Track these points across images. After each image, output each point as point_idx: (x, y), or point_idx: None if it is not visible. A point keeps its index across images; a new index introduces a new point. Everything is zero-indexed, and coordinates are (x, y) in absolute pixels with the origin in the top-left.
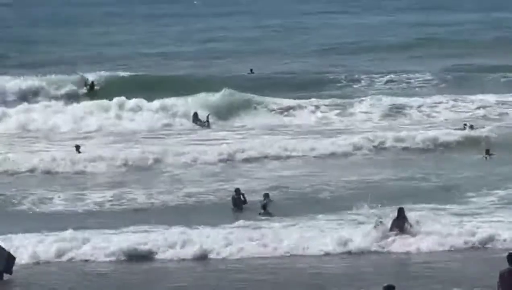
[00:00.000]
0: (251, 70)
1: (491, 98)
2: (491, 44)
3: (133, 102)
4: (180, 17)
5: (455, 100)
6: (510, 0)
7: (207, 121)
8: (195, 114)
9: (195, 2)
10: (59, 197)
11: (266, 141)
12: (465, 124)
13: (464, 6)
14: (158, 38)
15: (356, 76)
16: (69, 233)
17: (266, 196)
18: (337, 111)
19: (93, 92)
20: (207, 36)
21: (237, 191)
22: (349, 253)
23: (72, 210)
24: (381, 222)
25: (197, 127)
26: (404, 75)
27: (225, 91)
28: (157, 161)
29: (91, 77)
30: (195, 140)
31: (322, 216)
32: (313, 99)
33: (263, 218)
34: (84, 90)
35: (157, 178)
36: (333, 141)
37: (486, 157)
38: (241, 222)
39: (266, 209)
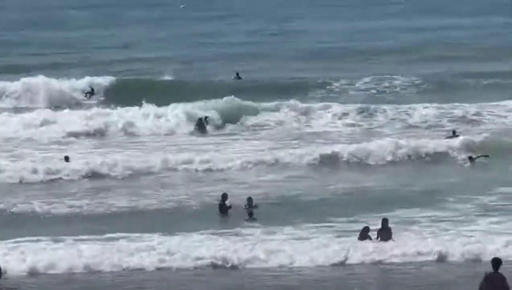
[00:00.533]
0: (237, 74)
1: (471, 105)
2: (481, 50)
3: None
4: (167, 21)
5: (438, 107)
6: (503, 4)
7: (206, 122)
8: (200, 120)
9: (182, 6)
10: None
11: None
12: (453, 132)
13: (460, 10)
14: (144, 43)
15: (338, 80)
16: None
17: (249, 200)
18: (313, 116)
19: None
20: (193, 41)
21: (224, 196)
22: (342, 264)
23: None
24: (369, 236)
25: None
26: (389, 80)
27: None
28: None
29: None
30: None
31: (307, 224)
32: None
33: (250, 224)
34: (84, 97)
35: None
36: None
37: (470, 162)
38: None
39: (253, 215)
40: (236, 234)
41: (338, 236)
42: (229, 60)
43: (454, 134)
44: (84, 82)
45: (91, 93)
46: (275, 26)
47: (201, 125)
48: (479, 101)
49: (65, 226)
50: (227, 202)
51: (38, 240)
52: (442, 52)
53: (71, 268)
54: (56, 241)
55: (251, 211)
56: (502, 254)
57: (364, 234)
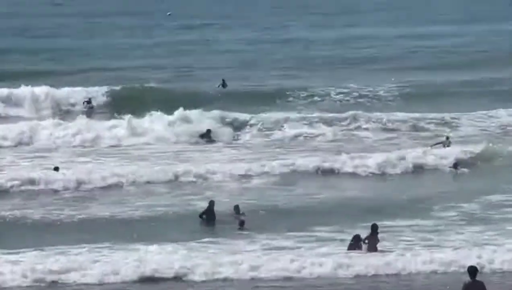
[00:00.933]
0: (223, 80)
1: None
2: (462, 59)
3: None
4: (154, 29)
5: (416, 118)
6: (489, 11)
7: (209, 135)
8: (209, 131)
9: (168, 14)
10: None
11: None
12: (447, 137)
13: (446, 18)
14: (131, 51)
15: (322, 88)
16: None
17: (236, 208)
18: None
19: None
20: (179, 48)
21: (211, 203)
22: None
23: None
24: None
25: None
26: (370, 89)
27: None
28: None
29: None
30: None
31: (296, 233)
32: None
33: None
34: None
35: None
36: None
37: (454, 171)
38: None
39: (244, 224)
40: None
41: (319, 246)
42: (216, 68)
43: (447, 139)
44: (77, 91)
45: (88, 102)
46: (263, 34)
47: (207, 136)
48: (466, 110)
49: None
50: (241, 214)
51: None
52: (427, 60)
53: None
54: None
55: (243, 221)
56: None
57: (355, 244)
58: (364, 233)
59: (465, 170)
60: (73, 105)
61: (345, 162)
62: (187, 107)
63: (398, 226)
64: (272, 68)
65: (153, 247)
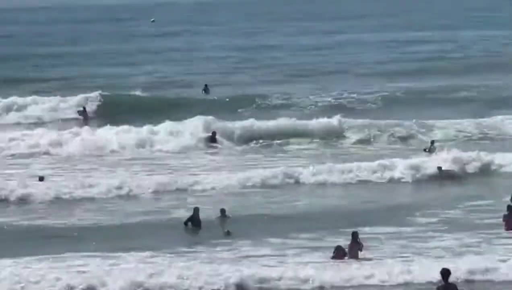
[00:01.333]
0: (206, 85)
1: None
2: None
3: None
4: (138, 35)
5: (396, 125)
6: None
7: (214, 138)
8: (214, 133)
9: (151, 20)
10: None
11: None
12: (432, 142)
13: (427, 24)
14: (114, 58)
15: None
16: None
17: (222, 211)
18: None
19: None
20: (163, 55)
21: (196, 210)
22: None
23: None
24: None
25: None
26: (350, 95)
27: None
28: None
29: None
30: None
31: (280, 240)
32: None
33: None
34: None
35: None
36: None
37: (439, 172)
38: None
39: (229, 232)
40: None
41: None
42: (198, 74)
43: (432, 144)
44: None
45: (84, 111)
46: (245, 40)
47: (213, 139)
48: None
49: None
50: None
51: None
52: (408, 67)
53: None
54: None
55: (228, 231)
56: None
57: (339, 252)
58: (345, 241)
59: (450, 169)
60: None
61: (330, 171)
62: (171, 113)
63: (379, 233)
64: (254, 75)
65: (127, 255)
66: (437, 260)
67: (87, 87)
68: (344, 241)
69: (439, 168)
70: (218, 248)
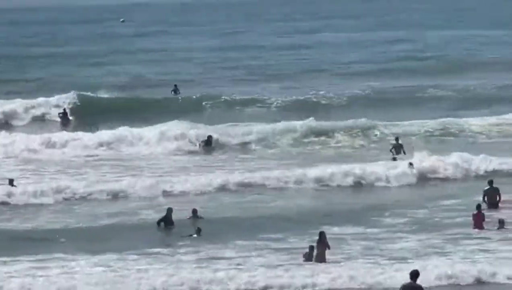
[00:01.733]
0: (175, 86)
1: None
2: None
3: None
4: (107, 36)
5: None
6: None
7: (209, 141)
8: (210, 137)
9: (121, 20)
10: None
11: None
12: (397, 139)
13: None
14: (85, 59)
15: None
16: None
17: (194, 212)
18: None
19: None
20: (133, 56)
21: (169, 210)
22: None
23: None
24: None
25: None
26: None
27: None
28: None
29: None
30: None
31: (248, 242)
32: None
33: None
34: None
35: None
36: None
37: (409, 167)
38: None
39: (200, 232)
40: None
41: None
42: (170, 74)
43: (397, 141)
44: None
45: (64, 114)
46: (220, 41)
47: (208, 143)
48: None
49: None
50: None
51: None
52: (383, 66)
53: None
54: None
55: (199, 229)
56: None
57: (311, 253)
58: (309, 243)
59: (414, 170)
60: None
61: (303, 173)
62: (141, 114)
63: (345, 234)
64: (226, 75)
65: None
66: (400, 262)
67: (59, 89)
68: (307, 243)
69: (410, 163)
70: (182, 250)
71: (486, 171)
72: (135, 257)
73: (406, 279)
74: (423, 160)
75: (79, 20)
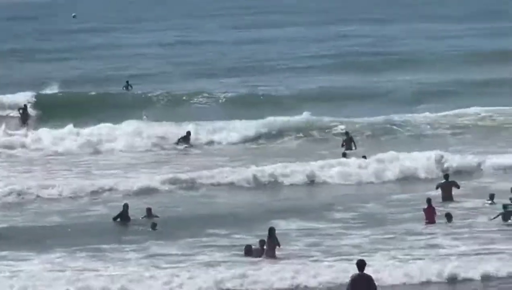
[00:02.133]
0: (127, 82)
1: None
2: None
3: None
4: (58, 32)
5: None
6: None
7: (187, 137)
8: (188, 133)
9: (73, 15)
10: None
11: None
12: (347, 133)
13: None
14: (35, 55)
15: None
16: None
17: (148, 210)
18: None
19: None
20: (85, 52)
21: (125, 206)
22: None
23: None
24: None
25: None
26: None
27: None
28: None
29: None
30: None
31: (195, 239)
32: None
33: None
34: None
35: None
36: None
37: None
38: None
39: (156, 227)
40: None
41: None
42: (122, 70)
43: (347, 136)
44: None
45: (24, 109)
46: (172, 37)
47: (186, 138)
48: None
49: None
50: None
51: None
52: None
53: None
54: None
55: (154, 223)
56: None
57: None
58: (256, 238)
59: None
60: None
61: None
62: (91, 111)
63: (293, 229)
64: (178, 70)
65: None
66: (340, 260)
67: (12, 86)
68: (254, 239)
69: (364, 157)
70: (126, 248)
71: (439, 166)
72: (83, 254)
73: (347, 276)
74: (375, 156)
75: (30, 16)
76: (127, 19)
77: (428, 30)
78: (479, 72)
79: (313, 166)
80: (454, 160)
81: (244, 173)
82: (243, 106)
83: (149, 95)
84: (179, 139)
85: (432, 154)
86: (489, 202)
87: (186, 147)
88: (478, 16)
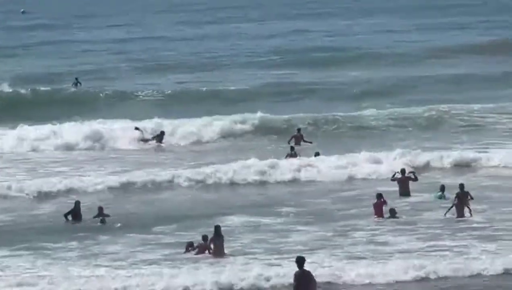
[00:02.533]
0: (76, 79)
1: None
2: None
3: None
4: (6, 28)
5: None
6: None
7: (161, 136)
8: (163, 133)
9: (22, 11)
10: None
11: None
12: (298, 129)
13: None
14: None
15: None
16: None
17: (100, 209)
18: None
19: None
20: (35, 49)
21: (77, 203)
22: None
23: None
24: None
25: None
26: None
27: None
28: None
29: None
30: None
31: (142, 236)
32: None
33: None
34: None
35: None
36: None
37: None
38: None
39: (105, 222)
40: None
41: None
42: (71, 66)
43: (298, 131)
44: None
45: None
46: (121, 33)
47: (160, 137)
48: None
49: None
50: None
51: None
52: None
53: None
54: None
55: (103, 219)
56: None
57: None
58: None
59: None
60: None
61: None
62: (43, 109)
63: (240, 226)
64: (128, 67)
65: None
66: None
67: None
68: (198, 236)
69: (317, 153)
70: (71, 246)
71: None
72: (24, 253)
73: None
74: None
75: None
76: (76, 15)
77: (373, 25)
78: (429, 67)
79: (260, 163)
80: (403, 155)
81: (191, 172)
82: (192, 102)
83: (98, 91)
84: (153, 137)
85: (382, 153)
86: (439, 194)
87: (158, 145)
88: (424, 10)
